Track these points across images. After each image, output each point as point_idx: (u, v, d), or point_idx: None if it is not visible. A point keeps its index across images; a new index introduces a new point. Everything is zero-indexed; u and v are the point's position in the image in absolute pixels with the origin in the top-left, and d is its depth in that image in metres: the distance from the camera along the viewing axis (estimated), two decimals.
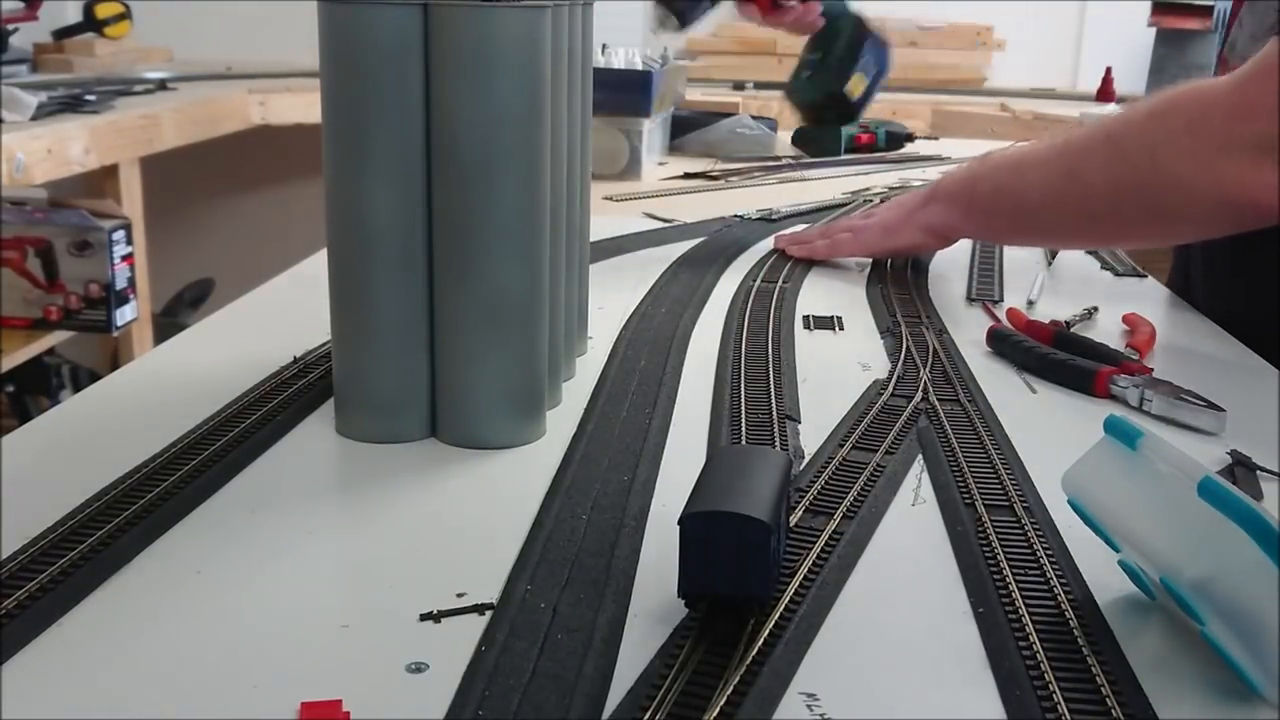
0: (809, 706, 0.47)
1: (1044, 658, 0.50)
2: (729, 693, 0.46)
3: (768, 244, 1.28)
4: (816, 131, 1.95)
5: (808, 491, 0.65)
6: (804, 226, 1.32)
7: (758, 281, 1.11)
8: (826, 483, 0.66)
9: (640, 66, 1.69)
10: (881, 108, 2.63)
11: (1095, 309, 1.06)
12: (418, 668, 0.49)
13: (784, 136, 1.98)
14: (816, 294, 1.10)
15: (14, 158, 1.83)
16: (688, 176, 1.67)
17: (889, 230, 1.18)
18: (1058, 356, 0.88)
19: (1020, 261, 1.25)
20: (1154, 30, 2.86)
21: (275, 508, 0.63)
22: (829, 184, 1.66)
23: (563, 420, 0.75)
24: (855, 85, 1.83)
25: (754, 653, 0.49)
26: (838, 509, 0.63)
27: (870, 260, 1.21)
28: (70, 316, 2.04)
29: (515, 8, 0.66)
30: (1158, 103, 0.96)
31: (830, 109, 1.90)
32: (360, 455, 0.71)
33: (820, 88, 1.87)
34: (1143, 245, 1.23)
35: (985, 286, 1.14)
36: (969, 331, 0.97)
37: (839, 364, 0.89)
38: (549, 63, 0.69)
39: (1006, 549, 0.59)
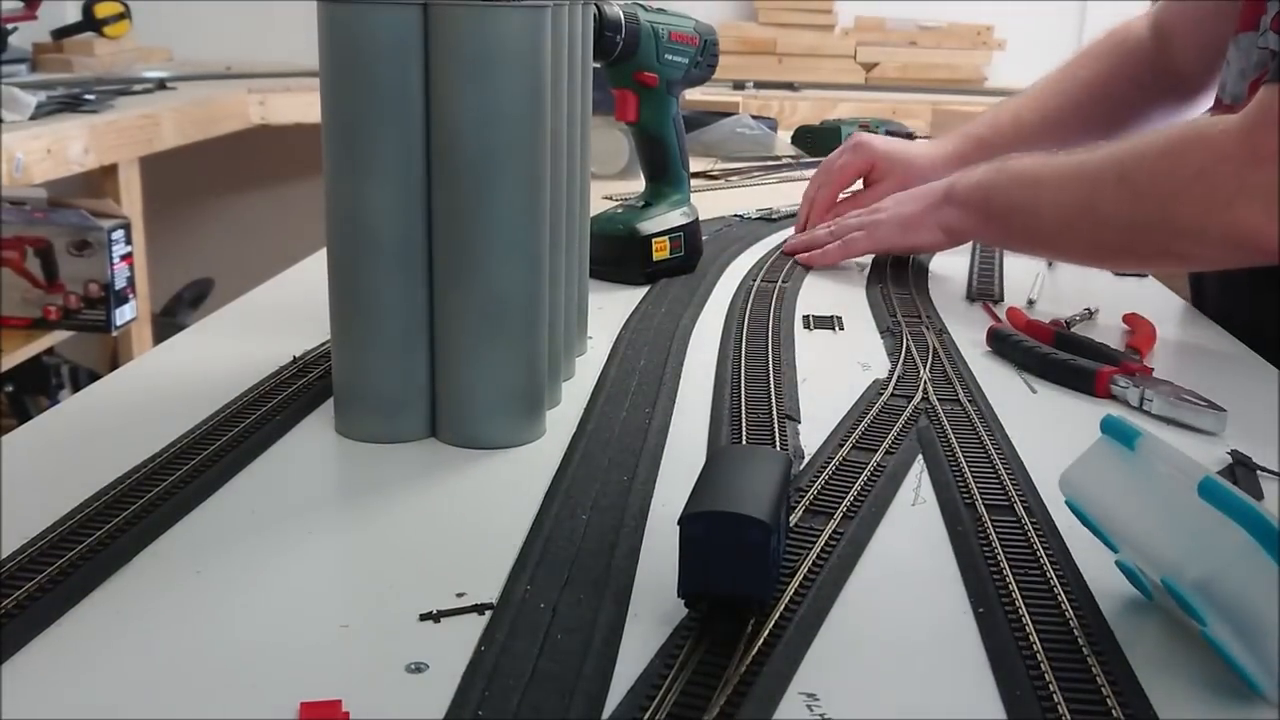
0: (809, 707, 0.47)
1: (1044, 658, 0.50)
2: (729, 693, 0.46)
3: (768, 244, 1.28)
4: (817, 131, 1.95)
5: (808, 491, 0.65)
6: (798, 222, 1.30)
7: (757, 281, 1.11)
8: (826, 483, 0.66)
9: None
10: (881, 107, 2.63)
11: (1095, 310, 1.06)
12: (417, 668, 0.49)
13: (784, 136, 1.98)
14: (816, 294, 1.10)
15: (13, 157, 1.83)
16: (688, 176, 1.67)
17: (907, 227, 1.16)
18: (1058, 356, 0.88)
19: (1020, 261, 1.24)
20: None
21: (275, 508, 0.63)
22: None
23: (562, 420, 0.75)
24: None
25: (754, 653, 0.49)
26: (838, 509, 0.63)
27: (871, 258, 1.21)
28: (70, 316, 2.04)
29: (515, 8, 0.66)
30: (1169, 143, 0.96)
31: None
32: (360, 455, 0.71)
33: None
34: (1142, 269, 1.24)
35: (985, 286, 1.14)
36: (969, 331, 0.97)
37: (839, 364, 0.89)
38: (549, 63, 0.69)
39: (1007, 549, 0.59)
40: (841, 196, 1.33)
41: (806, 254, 1.20)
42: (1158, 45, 1.31)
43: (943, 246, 1.19)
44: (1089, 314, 1.05)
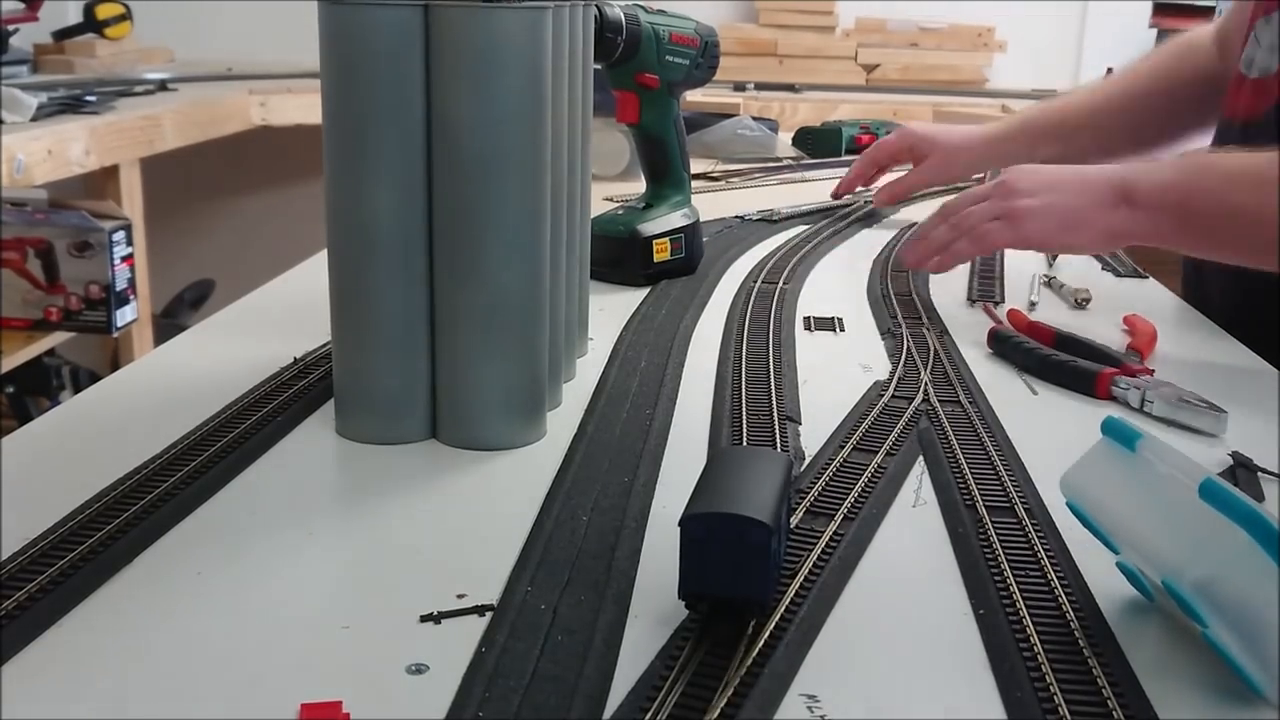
0: (809, 708, 0.47)
1: (1045, 659, 0.50)
2: (729, 694, 0.46)
3: (769, 245, 1.28)
4: (818, 132, 1.95)
5: (808, 493, 0.65)
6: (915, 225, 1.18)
7: (758, 283, 1.11)
8: (827, 484, 0.66)
9: None
10: (882, 109, 2.63)
11: (1089, 297, 1.08)
12: (418, 669, 0.49)
13: (785, 138, 1.98)
14: (817, 295, 1.10)
15: (14, 158, 1.83)
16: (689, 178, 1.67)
17: (1067, 225, 1.00)
18: (1059, 358, 0.88)
19: (1021, 261, 1.25)
20: (1155, 31, 2.85)
21: (276, 509, 0.63)
22: (830, 185, 1.65)
23: (563, 421, 0.75)
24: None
25: (754, 654, 0.49)
26: (838, 510, 0.63)
27: (871, 259, 1.21)
28: (70, 317, 2.04)
29: (515, 8, 0.66)
30: None
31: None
32: (361, 456, 0.71)
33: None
34: None
35: (986, 288, 1.14)
36: (970, 333, 0.97)
37: (840, 365, 0.89)
38: (549, 63, 0.69)
39: (1007, 550, 0.59)
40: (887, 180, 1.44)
41: (931, 259, 1.06)
42: (1220, 51, 1.30)
43: (1102, 251, 1.06)
44: (1086, 299, 1.08)
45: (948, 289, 1.13)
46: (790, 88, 2.86)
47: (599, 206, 1.24)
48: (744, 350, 0.90)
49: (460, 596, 0.54)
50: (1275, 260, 0.94)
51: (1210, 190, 0.96)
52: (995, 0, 3.11)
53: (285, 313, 0.97)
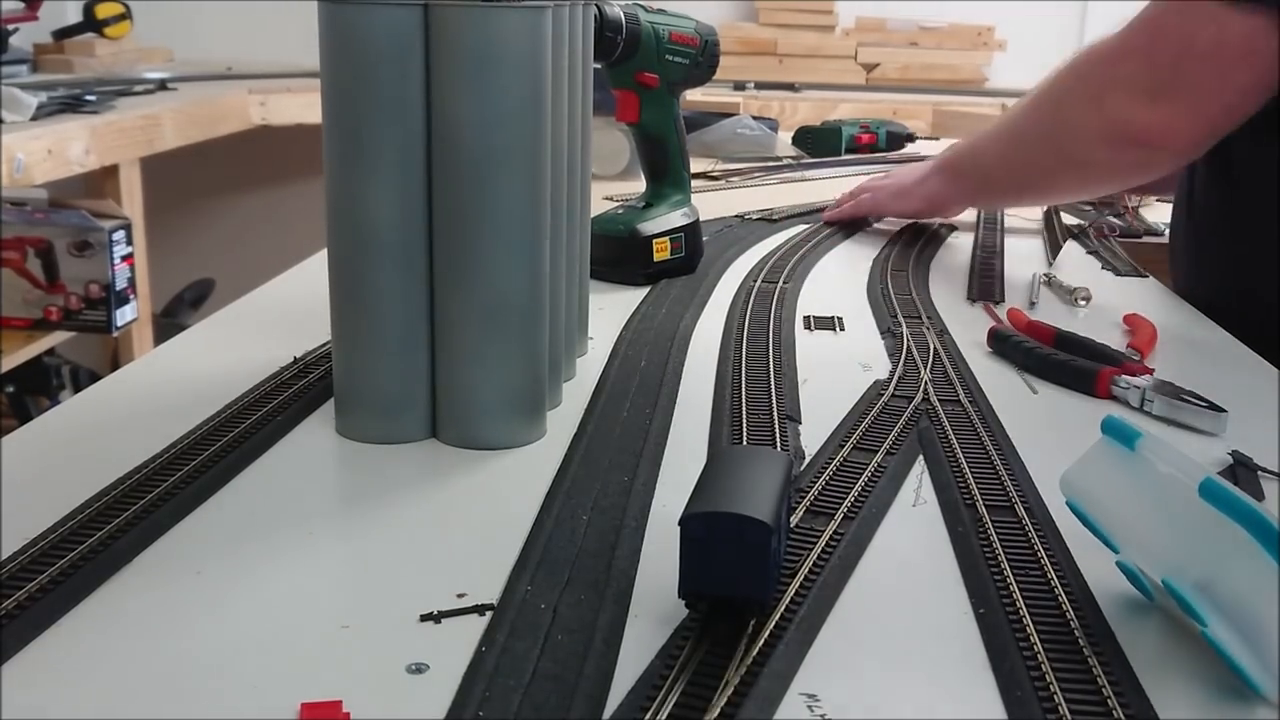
0: (809, 707, 0.47)
1: (1045, 658, 0.50)
2: (729, 694, 0.46)
3: (769, 245, 1.28)
4: (817, 131, 1.95)
5: (808, 492, 0.65)
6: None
7: (758, 282, 1.11)
8: (827, 483, 0.66)
9: None
10: (882, 108, 2.63)
11: (1088, 296, 1.08)
12: (418, 668, 0.49)
13: (785, 137, 1.98)
14: (817, 294, 1.10)
15: (14, 158, 1.83)
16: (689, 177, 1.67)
17: (900, 194, 1.35)
18: (1059, 357, 0.88)
19: (1021, 261, 1.25)
20: None
21: (275, 508, 0.63)
22: (830, 184, 1.66)
23: (563, 421, 0.75)
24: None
25: (754, 653, 0.49)
26: (838, 510, 0.63)
27: (878, 249, 1.21)
28: (70, 317, 2.04)
29: (515, 8, 0.66)
30: (1071, 60, 1.09)
31: None
32: (360, 456, 0.71)
33: None
34: (1068, 196, 1.44)
35: (986, 287, 1.14)
36: (970, 332, 0.97)
37: (839, 364, 0.89)
38: (549, 63, 0.69)
39: (1007, 549, 0.59)
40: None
41: (833, 212, 1.39)
42: None
43: (925, 215, 1.36)
44: (1086, 296, 1.09)
45: (948, 289, 1.13)
46: (790, 87, 2.86)
47: (599, 206, 1.23)
48: (744, 349, 0.90)
49: (460, 596, 0.54)
50: (1000, 193, 1.31)
51: (961, 150, 1.30)
52: (995, 0, 3.11)
53: (285, 312, 0.97)
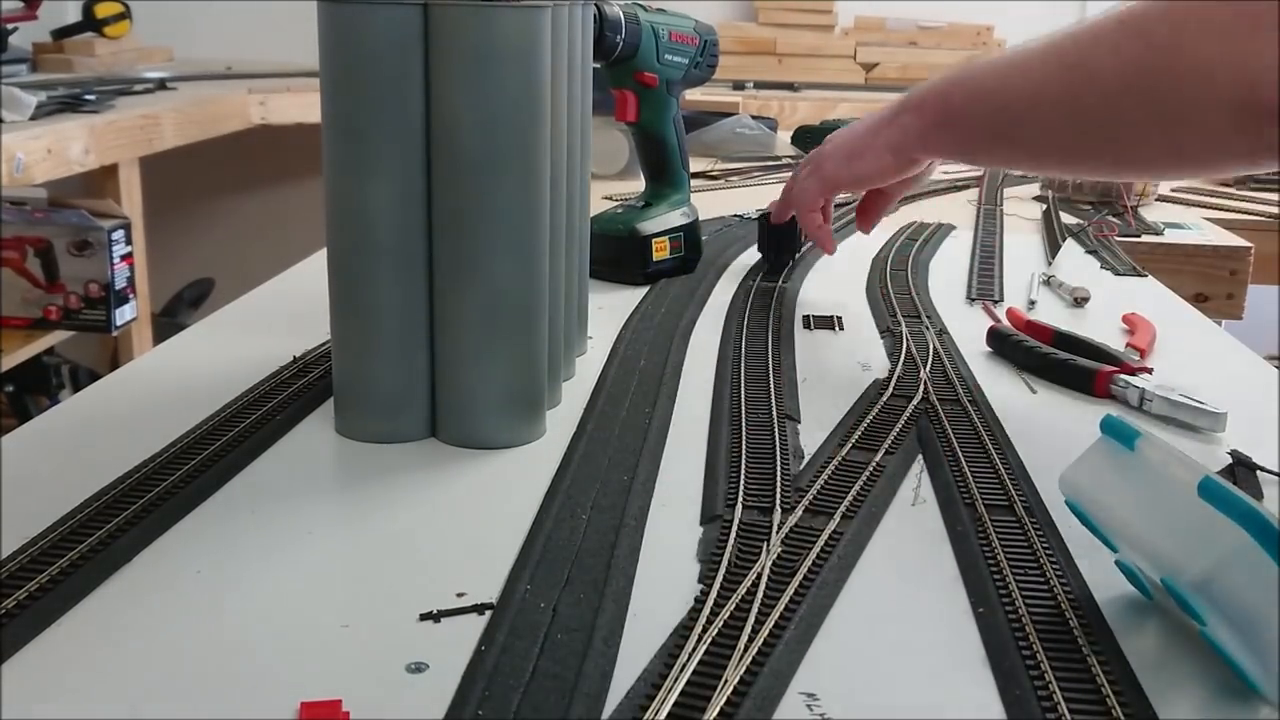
0: (809, 706, 0.47)
1: (1044, 657, 0.50)
2: (729, 693, 0.46)
3: None
4: (817, 131, 1.95)
5: (808, 491, 0.65)
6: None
7: (758, 281, 1.11)
8: (826, 483, 0.66)
9: None
10: (881, 107, 2.63)
11: (1088, 296, 1.07)
12: (418, 668, 0.49)
13: (784, 136, 1.98)
14: (816, 293, 1.10)
15: (14, 158, 1.83)
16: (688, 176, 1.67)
17: (852, 155, 0.98)
18: (1058, 356, 0.88)
19: (1020, 261, 1.25)
20: None
21: (275, 508, 0.63)
22: None
23: (562, 420, 0.75)
24: None
25: (754, 653, 0.49)
26: (838, 509, 0.63)
27: (871, 256, 1.21)
28: (70, 316, 2.04)
29: (515, 8, 0.66)
30: None
31: None
32: (360, 455, 0.71)
33: None
34: (1134, 169, 1.00)
35: (985, 286, 1.14)
36: (969, 331, 0.97)
37: (839, 364, 0.89)
38: (549, 63, 0.69)
39: (1006, 549, 0.59)
40: None
41: (778, 211, 1.13)
42: None
43: (892, 174, 0.97)
44: (1085, 298, 1.08)
45: (947, 288, 1.13)
46: (789, 86, 2.86)
47: (598, 205, 1.24)
48: (743, 349, 0.90)
49: (460, 595, 0.54)
50: (1025, 147, 0.85)
51: (962, 80, 0.87)
52: (994, 0, 3.11)
53: (285, 312, 0.97)
